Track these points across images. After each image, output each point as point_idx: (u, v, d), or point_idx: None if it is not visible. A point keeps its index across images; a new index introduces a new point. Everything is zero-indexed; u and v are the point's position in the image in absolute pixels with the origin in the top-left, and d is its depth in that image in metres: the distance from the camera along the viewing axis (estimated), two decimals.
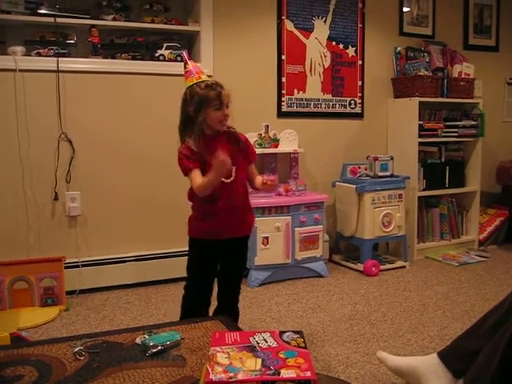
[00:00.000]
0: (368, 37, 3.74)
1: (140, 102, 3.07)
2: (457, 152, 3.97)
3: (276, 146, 3.35)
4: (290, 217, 3.12)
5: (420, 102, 3.58)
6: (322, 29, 3.58)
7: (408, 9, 3.89)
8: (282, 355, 1.15)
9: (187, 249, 2.03)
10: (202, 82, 1.89)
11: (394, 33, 3.85)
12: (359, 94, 3.75)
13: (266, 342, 1.22)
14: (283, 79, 3.47)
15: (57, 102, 2.86)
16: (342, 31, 3.65)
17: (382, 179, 3.43)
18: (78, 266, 2.90)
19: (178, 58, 3.12)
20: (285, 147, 3.37)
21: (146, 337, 1.46)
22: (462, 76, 3.83)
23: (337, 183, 3.56)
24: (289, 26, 3.46)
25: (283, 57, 3.46)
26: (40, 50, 2.85)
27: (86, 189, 2.97)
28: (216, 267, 2.03)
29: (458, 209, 3.95)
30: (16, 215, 2.83)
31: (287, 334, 1.26)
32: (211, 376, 1.07)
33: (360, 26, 3.71)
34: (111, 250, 3.02)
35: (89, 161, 2.97)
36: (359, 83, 3.74)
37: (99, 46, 2.97)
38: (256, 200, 3.04)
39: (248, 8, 3.33)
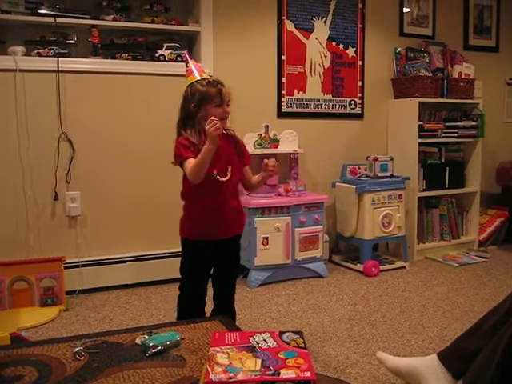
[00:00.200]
0: (368, 37, 3.74)
1: (140, 102, 3.07)
2: (457, 152, 3.98)
3: (276, 147, 3.35)
4: (289, 217, 3.12)
5: (420, 102, 3.58)
6: (322, 29, 3.58)
7: (408, 9, 3.89)
8: (281, 355, 1.15)
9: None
10: (204, 79, 1.90)
11: (394, 33, 3.85)
12: (359, 95, 3.75)
13: (266, 342, 1.22)
14: (283, 79, 3.47)
15: (57, 102, 2.86)
16: (342, 32, 3.65)
17: (382, 180, 3.44)
18: (77, 266, 2.90)
19: (178, 59, 3.13)
20: (285, 147, 3.37)
21: (146, 337, 1.46)
22: (462, 76, 3.83)
23: (337, 184, 3.56)
24: (289, 26, 3.47)
25: (283, 57, 3.46)
26: (40, 50, 2.85)
27: (86, 189, 2.97)
28: (210, 267, 2.03)
29: (457, 209, 3.95)
30: (16, 215, 2.83)
31: (287, 334, 1.27)
32: (211, 376, 1.07)
33: (360, 26, 3.71)
34: (111, 250, 3.02)
35: (89, 161, 2.97)
36: (359, 84, 3.75)
37: (99, 46, 2.97)
38: (256, 200, 3.05)
39: (248, 8, 3.33)
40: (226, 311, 1.96)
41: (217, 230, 1.94)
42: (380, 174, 3.46)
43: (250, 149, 3.21)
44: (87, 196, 2.97)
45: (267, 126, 3.31)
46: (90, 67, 2.94)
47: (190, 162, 1.81)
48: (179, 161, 1.87)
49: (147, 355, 1.38)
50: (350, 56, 3.70)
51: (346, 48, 3.68)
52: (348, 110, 3.73)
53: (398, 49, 3.84)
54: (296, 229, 3.14)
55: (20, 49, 2.79)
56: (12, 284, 2.63)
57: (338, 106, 3.69)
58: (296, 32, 3.50)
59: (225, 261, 2.03)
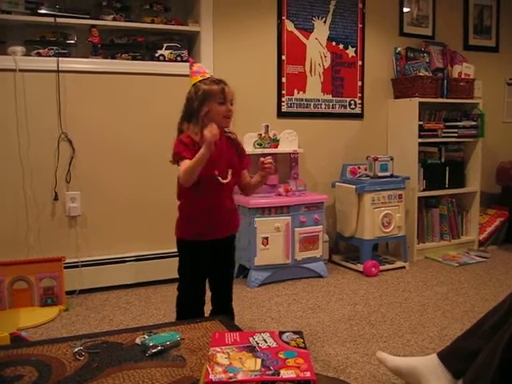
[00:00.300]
0: (368, 37, 3.74)
1: (140, 102, 3.07)
2: (457, 152, 3.98)
3: (276, 147, 3.35)
4: (289, 217, 3.12)
5: (420, 102, 3.58)
6: (322, 29, 3.58)
7: (408, 9, 3.89)
8: (281, 355, 1.15)
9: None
10: (207, 78, 1.92)
11: (394, 33, 3.85)
12: (359, 95, 3.75)
13: (266, 342, 1.22)
14: (283, 79, 3.47)
15: (57, 102, 2.86)
16: (342, 31, 3.65)
17: (382, 179, 3.44)
18: (77, 266, 2.90)
19: (178, 59, 3.13)
20: (285, 147, 3.37)
21: (146, 337, 1.46)
22: (462, 76, 3.83)
23: (337, 183, 3.56)
24: (289, 26, 3.47)
25: (283, 57, 3.46)
26: (40, 50, 2.85)
27: (86, 189, 2.97)
28: (207, 267, 2.03)
29: (457, 209, 3.95)
30: (16, 215, 2.83)
31: (287, 334, 1.27)
32: (211, 376, 1.07)
33: (360, 26, 3.71)
34: (111, 250, 3.02)
35: (89, 161, 2.97)
36: (359, 84, 3.75)
37: (99, 46, 2.97)
38: (256, 200, 3.05)
39: (248, 8, 3.33)
40: (224, 312, 1.96)
41: (213, 231, 1.95)
42: (380, 174, 3.46)
43: (250, 149, 3.22)
44: (87, 196, 2.97)
45: (267, 125, 3.31)
46: (89, 67, 2.94)
47: (185, 163, 1.81)
48: (177, 159, 1.87)
49: (147, 355, 1.38)
50: (349, 56, 3.70)
51: (346, 48, 3.68)
52: (348, 110, 3.73)
53: (398, 49, 3.84)
54: (296, 229, 3.14)
55: (20, 49, 2.79)
56: (12, 284, 2.63)
57: (337, 106, 3.69)
58: (296, 32, 3.50)
59: (220, 261, 2.04)
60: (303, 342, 1.22)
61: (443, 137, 3.75)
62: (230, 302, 2.11)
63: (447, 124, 3.78)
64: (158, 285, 3.05)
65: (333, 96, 3.66)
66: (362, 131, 3.78)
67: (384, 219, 3.40)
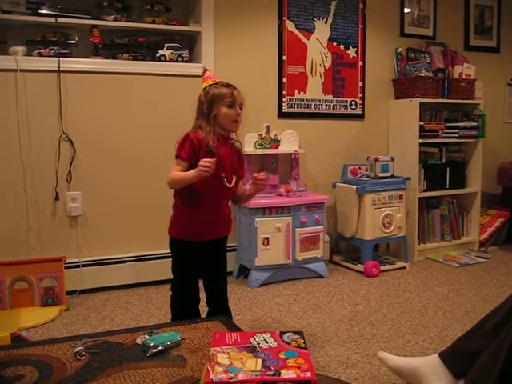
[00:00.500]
0: (369, 38, 3.74)
1: (141, 103, 3.07)
2: (457, 153, 3.97)
3: (277, 147, 3.35)
4: (290, 217, 3.12)
5: (421, 102, 3.58)
6: (322, 29, 3.58)
7: (409, 10, 3.89)
8: (282, 356, 1.15)
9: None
10: (218, 82, 1.95)
11: (394, 34, 3.85)
12: (360, 95, 3.75)
13: (267, 342, 1.22)
14: (284, 80, 3.47)
15: (58, 102, 2.87)
16: (343, 32, 3.65)
17: (383, 180, 3.43)
18: (78, 266, 2.90)
19: (179, 59, 3.13)
20: (285, 148, 3.37)
21: (147, 337, 1.46)
22: (463, 77, 3.83)
23: (337, 184, 3.56)
24: (290, 26, 3.47)
25: (284, 57, 3.46)
26: (41, 50, 2.85)
27: (87, 189, 2.97)
28: (200, 267, 2.03)
29: (458, 210, 3.95)
30: (17, 215, 2.83)
31: (287, 334, 1.26)
32: (212, 376, 1.07)
33: (361, 26, 3.71)
34: (112, 250, 3.02)
35: (90, 161, 2.97)
36: (360, 84, 3.74)
37: (100, 46, 2.97)
38: (257, 200, 3.05)
39: (249, 8, 3.33)
40: (220, 313, 1.96)
41: (210, 231, 1.96)
42: (381, 175, 3.45)
43: (251, 149, 3.22)
44: (88, 196, 2.97)
45: (268, 126, 3.31)
46: (90, 67, 2.94)
47: (176, 168, 1.85)
48: (176, 154, 1.89)
49: (148, 355, 1.37)
50: (350, 56, 3.70)
51: (347, 48, 3.68)
52: (349, 111, 3.73)
53: (399, 49, 3.84)
54: (297, 229, 3.14)
55: (21, 49, 2.79)
56: (12, 284, 2.63)
57: (338, 107, 3.69)
58: (297, 32, 3.50)
59: (214, 261, 2.04)
60: (304, 343, 1.22)
61: (444, 137, 3.75)
62: (227, 303, 2.10)
63: (448, 124, 3.78)
64: (159, 285, 3.05)
65: (334, 96, 3.66)
66: (362, 131, 3.78)
67: (385, 220, 3.40)
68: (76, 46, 2.99)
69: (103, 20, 2.97)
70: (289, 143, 3.37)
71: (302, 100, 3.55)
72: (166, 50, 3.12)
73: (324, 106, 3.63)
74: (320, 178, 3.65)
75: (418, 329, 2.43)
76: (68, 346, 1.44)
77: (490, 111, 4.01)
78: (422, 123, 3.61)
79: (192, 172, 1.78)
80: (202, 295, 2.06)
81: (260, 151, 3.26)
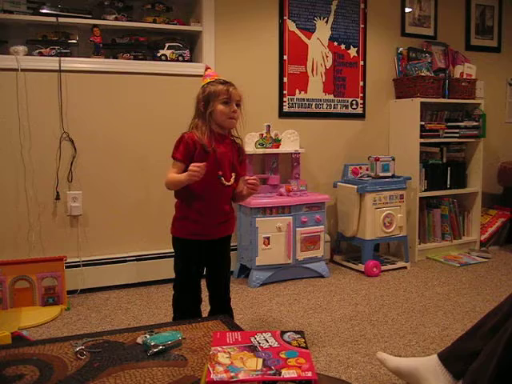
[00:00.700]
0: (370, 37, 3.74)
1: (141, 102, 3.07)
2: (458, 153, 3.97)
3: (277, 147, 3.35)
4: (291, 217, 3.12)
5: (422, 102, 3.58)
6: (323, 29, 3.58)
7: (410, 9, 3.89)
8: (283, 355, 1.15)
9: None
10: (215, 80, 1.95)
11: (395, 33, 3.85)
12: (361, 95, 3.75)
13: (267, 341, 1.22)
14: (285, 79, 3.47)
15: (59, 102, 2.87)
16: (344, 32, 3.65)
17: (384, 180, 3.43)
18: (79, 266, 2.90)
19: (180, 58, 3.13)
20: (286, 147, 3.37)
21: (147, 336, 1.46)
22: (464, 77, 3.83)
23: (338, 184, 3.56)
24: (291, 26, 3.46)
25: (285, 57, 3.46)
26: (42, 50, 2.85)
27: (88, 188, 2.97)
28: (203, 266, 2.04)
29: (459, 209, 3.95)
30: (17, 214, 2.83)
31: (288, 334, 1.26)
32: (212, 376, 1.07)
33: (362, 26, 3.71)
34: (112, 249, 3.03)
35: (90, 160, 2.97)
36: (361, 84, 3.74)
37: (101, 45, 2.97)
38: (257, 200, 3.05)
39: (250, 8, 3.33)
40: (222, 312, 1.96)
41: (213, 231, 1.96)
42: (381, 174, 3.45)
43: (252, 149, 3.22)
44: (89, 195, 2.98)
45: (269, 125, 3.31)
46: (91, 67, 2.94)
47: (173, 170, 1.89)
48: (172, 155, 1.91)
49: (148, 355, 1.38)
50: (351, 56, 3.70)
51: (348, 48, 3.68)
52: (349, 110, 3.73)
53: (400, 49, 3.84)
54: (297, 229, 3.14)
55: (22, 48, 2.79)
56: (13, 283, 2.63)
57: (339, 106, 3.68)
58: (298, 32, 3.50)
59: (216, 261, 2.04)
60: (304, 342, 1.22)
61: (445, 137, 3.75)
62: (229, 302, 2.11)
63: (449, 124, 3.78)
64: (160, 284, 3.05)
65: (334, 96, 3.66)
66: (363, 131, 3.78)
67: (385, 219, 3.39)
68: (77, 46, 2.99)
69: (104, 20, 2.97)
70: (289, 143, 3.37)
71: (303, 100, 3.55)
72: (167, 49, 3.12)
73: (325, 106, 3.63)
74: (321, 177, 3.65)
75: (419, 328, 2.43)
76: (69, 345, 1.44)
77: (490, 111, 4.00)
78: (422, 123, 3.61)
79: (184, 175, 1.82)
80: (204, 295, 2.06)
81: (261, 151, 3.26)
